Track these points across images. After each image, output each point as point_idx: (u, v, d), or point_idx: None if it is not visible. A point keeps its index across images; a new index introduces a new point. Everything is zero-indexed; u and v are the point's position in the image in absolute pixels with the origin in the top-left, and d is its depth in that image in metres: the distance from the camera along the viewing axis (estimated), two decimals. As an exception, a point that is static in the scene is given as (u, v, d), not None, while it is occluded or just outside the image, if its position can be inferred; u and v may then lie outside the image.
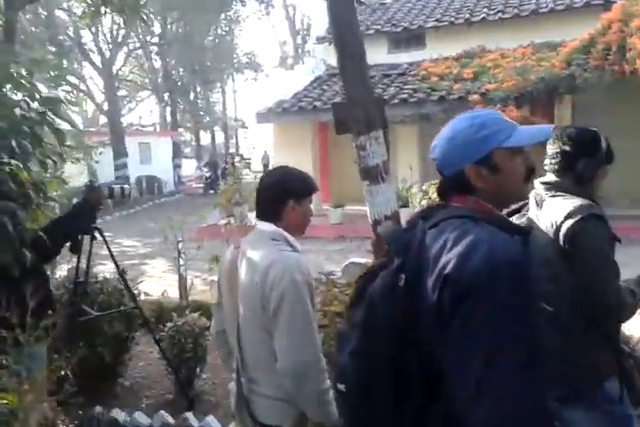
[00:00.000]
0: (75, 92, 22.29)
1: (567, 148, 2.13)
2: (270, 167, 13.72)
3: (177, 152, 27.62)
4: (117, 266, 3.94)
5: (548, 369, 1.14)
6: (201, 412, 3.87)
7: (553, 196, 2.08)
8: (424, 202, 5.48)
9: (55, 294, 3.89)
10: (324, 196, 12.37)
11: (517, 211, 2.15)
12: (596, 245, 1.93)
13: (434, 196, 5.33)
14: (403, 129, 11.75)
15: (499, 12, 13.13)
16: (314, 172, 12.03)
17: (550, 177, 2.17)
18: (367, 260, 5.27)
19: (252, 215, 5.58)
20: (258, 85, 51.27)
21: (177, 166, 27.33)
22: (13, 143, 3.08)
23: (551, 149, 2.18)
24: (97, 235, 3.83)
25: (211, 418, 3.61)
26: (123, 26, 22.11)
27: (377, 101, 4.53)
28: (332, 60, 14.92)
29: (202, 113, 32.71)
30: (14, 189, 3.04)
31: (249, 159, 25.53)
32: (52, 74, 3.83)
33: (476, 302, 1.12)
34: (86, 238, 3.77)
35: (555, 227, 2.00)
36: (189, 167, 33.12)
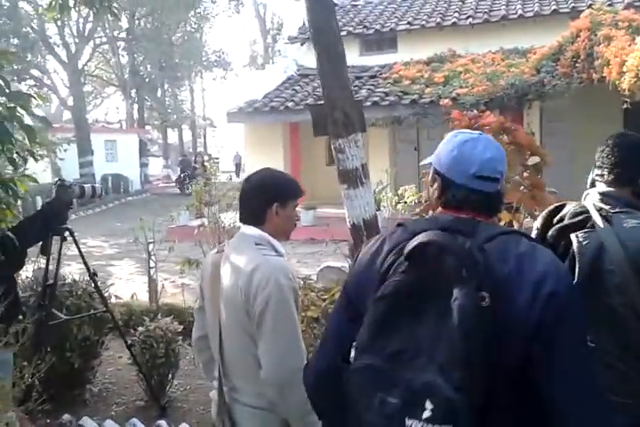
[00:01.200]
0: (38, 86, 21.76)
1: (631, 158, 1.91)
2: (242, 168, 13.61)
3: (143, 150, 27.20)
4: (88, 268, 3.82)
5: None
6: (174, 419, 3.77)
7: (620, 211, 1.82)
8: (399, 206, 5.47)
9: (22, 297, 3.76)
10: (295, 197, 12.24)
11: (574, 225, 1.86)
12: None
13: (409, 199, 5.33)
14: (375, 132, 11.77)
15: (469, 17, 13.27)
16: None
17: (607, 188, 1.92)
18: (343, 264, 5.25)
19: (224, 217, 5.50)
20: (227, 84, 50.87)
21: (144, 165, 26.90)
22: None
23: (607, 156, 1.94)
24: (67, 235, 3.71)
25: (184, 425, 3.52)
26: (89, 19, 21.67)
27: (356, 104, 4.50)
28: (304, 61, 14.89)
29: (169, 111, 32.25)
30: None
31: (217, 159, 25.28)
32: (16, 67, 3.69)
33: (578, 317, 1.28)
34: (55, 239, 3.66)
35: (634, 249, 1.73)
36: (156, 166, 32.68)
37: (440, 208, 1.44)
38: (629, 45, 8.81)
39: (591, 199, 1.90)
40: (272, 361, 1.84)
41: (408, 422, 1.16)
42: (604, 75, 9.08)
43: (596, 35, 9.75)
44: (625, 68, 8.39)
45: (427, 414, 1.15)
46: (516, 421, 1.23)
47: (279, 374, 1.83)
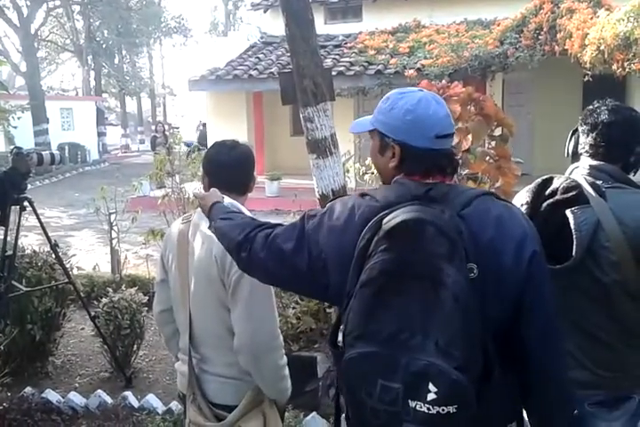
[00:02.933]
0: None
1: (624, 135, 1.85)
2: (206, 137, 13.36)
3: (101, 119, 26.44)
4: (49, 238, 3.71)
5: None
6: (139, 390, 3.76)
7: (613, 187, 1.79)
8: (366, 176, 5.46)
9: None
10: (259, 168, 12.17)
11: (568, 200, 1.80)
12: None
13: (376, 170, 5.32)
14: (339, 102, 11.65)
15: (434, -14, 13.15)
16: (248, 143, 11.79)
17: (599, 162, 1.85)
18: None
19: (190, 187, 5.40)
20: (187, 51, 49.61)
21: (101, 134, 26.20)
22: None
23: (600, 133, 1.87)
24: (26, 205, 3.59)
25: (151, 396, 3.50)
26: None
27: (325, 72, 4.42)
28: (268, 28, 14.58)
29: (127, 78, 31.31)
30: None
31: (178, 128, 24.79)
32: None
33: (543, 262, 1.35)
34: (13, 209, 3.55)
35: (632, 226, 1.71)
36: (114, 135, 31.87)
37: (402, 174, 1.38)
38: (591, 18, 8.90)
39: (580, 173, 1.86)
40: (248, 327, 1.82)
41: (412, 403, 1.17)
42: (566, 47, 9.18)
43: (558, 7, 9.82)
44: (587, 42, 8.49)
45: (431, 396, 1.15)
46: (506, 389, 1.29)
47: (255, 341, 1.82)
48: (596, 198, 1.75)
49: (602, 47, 8.14)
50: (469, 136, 4.04)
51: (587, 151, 1.90)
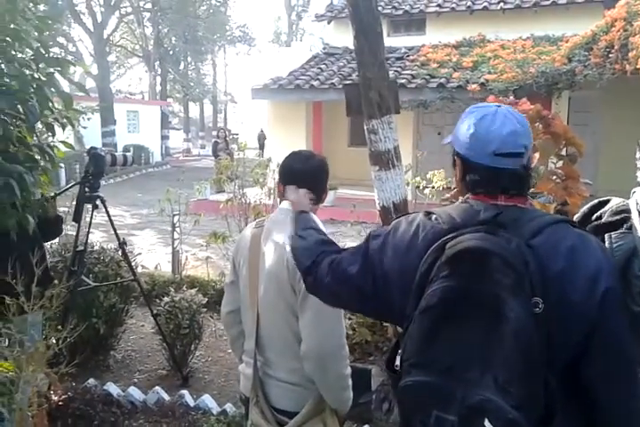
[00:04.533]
0: (64, 54, 21.78)
1: None
2: (265, 145, 13.50)
3: (165, 123, 27.22)
4: (118, 236, 3.86)
5: None
6: (195, 389, 3.84)
7: None
8: (427, 191, 5.44)
9: (51, 262, 3.81)
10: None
11: (612, 224, 1.76)
12: None
13: (437, 184, 5.30)
14: (400, 115, 11.66)
15: (500, 1, 13.01)
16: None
17: None
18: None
19: (250, 192, 5.51)
20: (250, 60, 50.47)
21: (165, 137, 26.95)
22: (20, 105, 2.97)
23: None
24: (98, 203, 3.74)
25: (206, 396, 3.58)
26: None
27: (391, 85, 4.45)
28: (330, 39, 14.73)
29: (192, 84, 32.18)
30: (22, 151, 2.94)
31: (237, 135, 25.21)
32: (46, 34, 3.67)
33: (624, 309, 1.29)
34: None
35: None
36: (177, 139, 32.71)
37: (470, 194, 1.36)
38: (666, 37, 8.64)
39: (635, 198, 1.76)
40: (316, 334, 1.85)
41: None
42: (638, 66, 8.91)
43: (631, 25, 9.53)
44: (660, 61, 8.23)
45: None
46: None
47: (321, 349, 1.85)
48: (638, 220, 1.67)
49: (676, 67, 7.88)
50: (536, 154, 3.99)
51: None
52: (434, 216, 1.36)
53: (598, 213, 1.81)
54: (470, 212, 1.31)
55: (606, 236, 1.70)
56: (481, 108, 1.36)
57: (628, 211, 1.73)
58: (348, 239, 8.41)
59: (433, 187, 5.36)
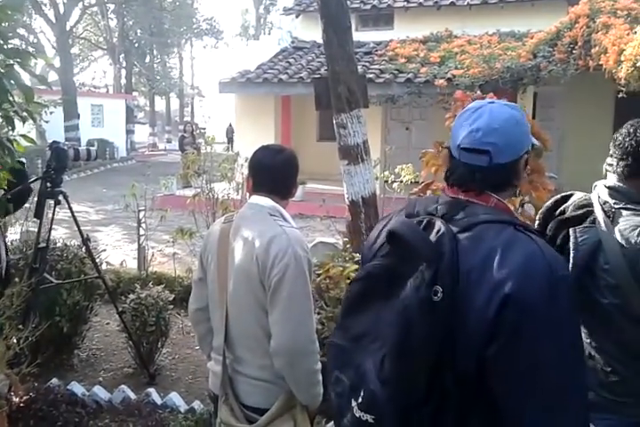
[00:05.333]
0: (24, 45, 21.23)
1: None
2: (234, 139, 13.36)
3: (130, 117, 26.79)
4: (81, 233, 3.77)
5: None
6: (162, 387, 3.78)
7: (624, 208, 1.72)
8: (395, 184, 5.46)
9: (12, 260, 3.71)
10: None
11: (576, 218, 1.77)
12: None
13: (405, 179, 5.32)
14: (368, 109, 11.69)
15: (468, -3, 13.12)
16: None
17: (615, 181, 1.78)
18: (335, 240, 5.25)
19: (217, 187, 5.45)
20: (217, 53, 49.97)
21: (130, 131, 26.52)
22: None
23: (619, 145, 1.79)
24: (61, 199, 3.65)
25: (174, 394, 3.53)
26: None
27: (360, 79, 4.45)
28: (299, 33, 14.65)
29: (158, 78, 31.72)
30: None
31: (204, 129, 24.95)
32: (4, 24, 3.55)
33: (542, 324, 1.12)
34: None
35: (633, 249, 1.64)
36: (142, 134, 32.23)
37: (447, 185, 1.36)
38: (628, 34, 8.79)
39: (597, 192, 1.80)
40: (286, 329, 1.84)
41: (353, 403, 1.20)
42: (600, 62, 9.07)
43: (594, 22, 9.70)
44: (622, 57, 8.38)
45: (359, 400, 1.19)
46: (466, 422, 1.17)
47: (293, 343, 1.84)
48: (603, 219, 1.70)
49: (638, 64, 8.03)
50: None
51: (609, 164, 1.83)
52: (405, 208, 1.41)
53: (562, 208, 1.84)
54: (430, 202, 1.33)
55: (570, 230, 1.72)
56: (474, 103, 1.36)
57: (590, 205, 1.77)
58: (318, 234, 8.42)
59: (401, 181, 5.38)
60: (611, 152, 1.84)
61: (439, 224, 1.22)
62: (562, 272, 1.17)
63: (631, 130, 1.79)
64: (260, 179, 2.03)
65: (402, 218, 1.31)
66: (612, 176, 1.81)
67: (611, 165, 1.81)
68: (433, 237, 1.19)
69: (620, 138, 1.81)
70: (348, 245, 4.14)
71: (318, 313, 3.65)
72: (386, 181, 5.97)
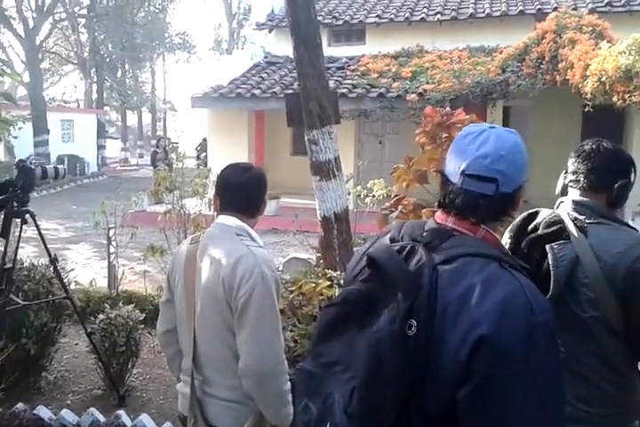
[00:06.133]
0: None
1: (607, 165, 1.82)
2: (206, 155, 13.28)
3: (101, 132, 26.48)
4: (49, 252, 3.69)
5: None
6: (132, 408, 3.70)
7: (595, 222, 1.77)
8: (367, 199, 5.48)
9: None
10: (257, 186, 12.12)
11: (549, 235, 1.78)
12: None
13: (378, 193, 5.34)
14: (342, 124, 11.74)
15: (437, 13, 13.34)
16: (248, 162, 11.82)
17: (581, 196, 1.84)
18: (309, 256, 5.23)
19: (189, 203, 5.40)
20: (190, 68, 49.96)
21: (101, 147, 26.23)
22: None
23: (583, 162, 1.85)
24: (27, 218, 3.58)
25: (144, 416, 3.46)
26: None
27: (332, 95, 4.47)
28: (272, 48, 14.72)
29: (129, 92, 31.49)
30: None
31: (177, 143, 24.79)
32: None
33: (517, 371, 1.05)
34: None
35: (610, 263, 1.68)
36: (114, 149, 31.91)
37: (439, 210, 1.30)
38: (593, 50, 9.02)
39: (565, 208, 1.84)
40: (254, 351, 1.82)
41: None
42: (567, 77, 9.28)
43: (561, 37, 9.94)
44: (588, 72, 8.58)
45: None
46: None
47: (261, 364, 1.81)
48: (577, 234, 1.73)
49: (603, 79, 8.23)
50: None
51: (571, 181, 1.88)
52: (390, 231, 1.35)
53: (532, 226, 1.86)
54: (416, 227, 1.28)
55: (547, 247, 1.75)
56: (473, 127, 1.30)
57: (561, 221, 1.79)
58: (292, 249, 8.38)
59: (374, 196, 5.40)
60: (573, 168, 1.89)
61: (421, 253, 1.16)
62: (543, 316, 1.09)
63: (594, 146, 1.86)
64: (227, 198, 2.01)
65: (384, 243, 1.25)
66: (574, 191, 1.87)
67: (576, 181, 1.86)
68: (413, 266, 1.14)
69: (583, 155, 1.86)
70: (320, 261, 4.12)
71: (291, 330, 3.62)
72: (358, 196, 5.99)
